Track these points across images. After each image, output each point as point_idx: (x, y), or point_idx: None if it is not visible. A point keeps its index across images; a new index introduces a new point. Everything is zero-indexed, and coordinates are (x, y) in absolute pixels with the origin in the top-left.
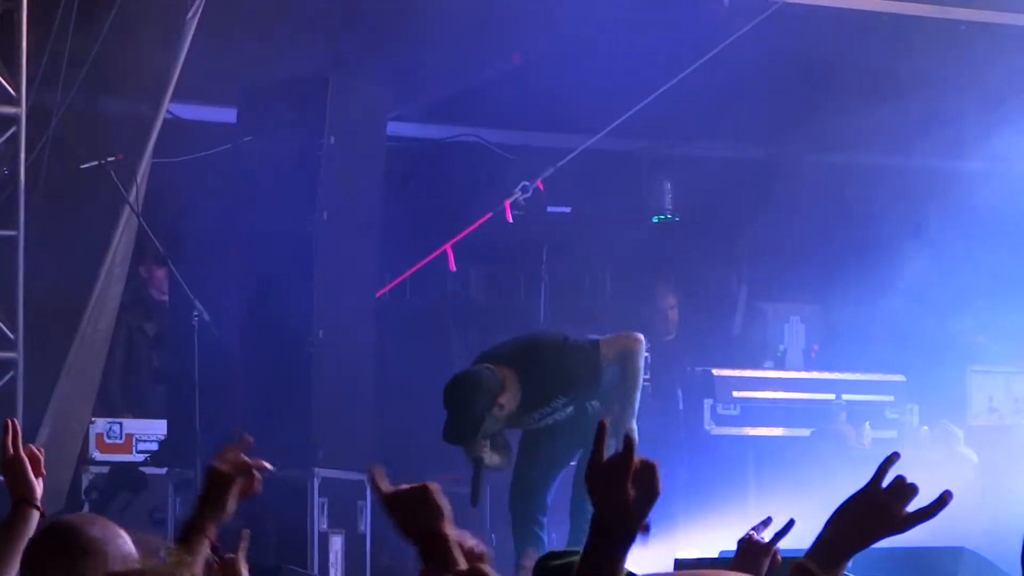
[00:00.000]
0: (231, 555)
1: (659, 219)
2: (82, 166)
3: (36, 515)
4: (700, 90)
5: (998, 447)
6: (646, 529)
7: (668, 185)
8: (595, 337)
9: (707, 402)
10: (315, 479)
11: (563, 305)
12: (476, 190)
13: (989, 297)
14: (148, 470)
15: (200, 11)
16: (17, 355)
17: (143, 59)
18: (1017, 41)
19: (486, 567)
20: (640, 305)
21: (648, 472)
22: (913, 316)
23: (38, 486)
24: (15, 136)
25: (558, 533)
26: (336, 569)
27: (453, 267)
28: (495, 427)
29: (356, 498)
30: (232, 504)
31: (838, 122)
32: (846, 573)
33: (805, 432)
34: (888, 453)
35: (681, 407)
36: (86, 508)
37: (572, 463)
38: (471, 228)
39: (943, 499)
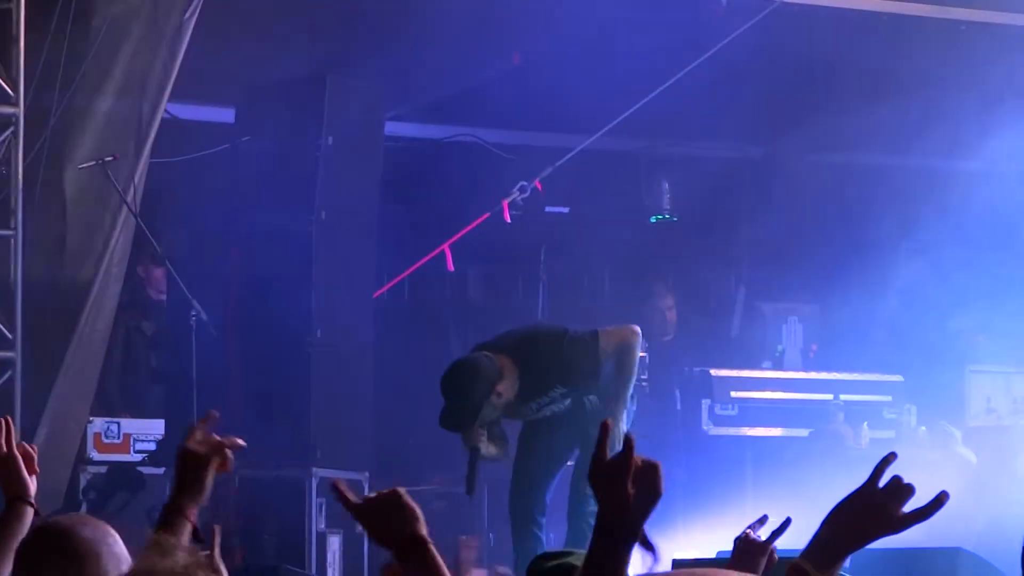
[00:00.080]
0: (206, 551)
1: (657, 219)
2: (80, 166)
3: (30, 512)
4: (698, 90)
5: (996, 448)
6: (651, 548)
7: (666, 185)
8: (594, 329)
9: (705, 402)
10: (313, 479)
11: (561, 305)
12: (474, 190)
13: (987, 297)
14: (146, 470)
15: (198, 11)
16: (15, 355)
17: (140, 59)
18: (1017, 41)
19: None
20: (638, 305)
21: (650, 472)
22: (911, 316)
23: (32, 483)
24: (13, 136)
25: (556, 533)
26: (334, 569)
27: (451, 267)
28: (493, 415)
29: None
30: (210, 484)
31: (837, 122)
32: (843, 574)
33: (803, 432)
34: (886, 453)
35: (679, 407)
36: (84, 508)
37: (570, 463)
38: (469, 228)
39: (939, 499)
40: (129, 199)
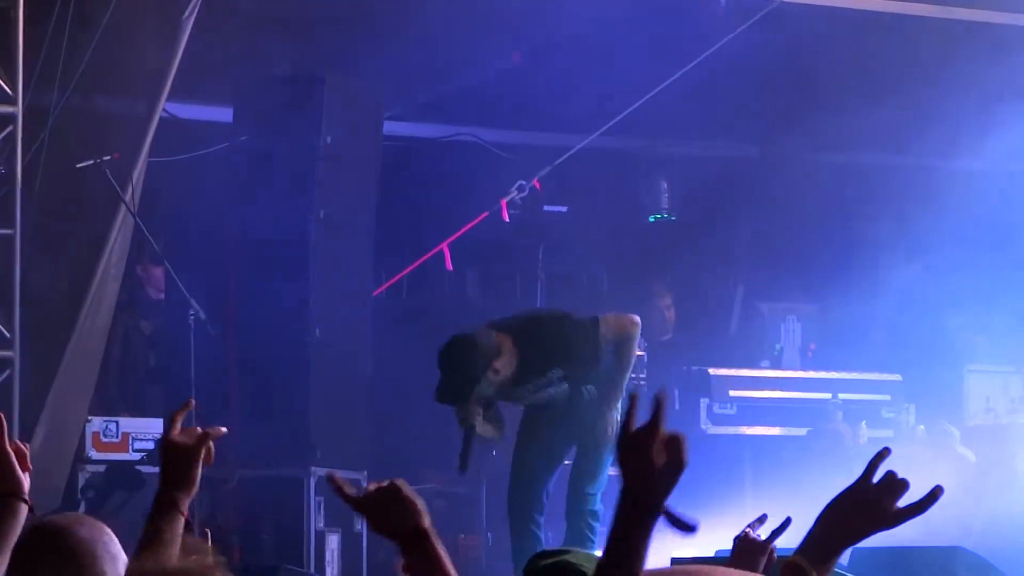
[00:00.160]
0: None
1: (655, 218)
2: (78, 165)
3: (24, 508)
4: (697, 89)
5: (994, 446)
6: (683, 524)
7: (664, 184)
8: (595, 315)
9: (703, 401)
10: (311, 477)
11: (559, 304)
12: (472, 189)
13: (986, 297)
14: (144, 469)
15: (196, 10)
16: (13, 354)
17: (139, 58)
18: (1017, 41)
19: None
20: (637, 304)
21: (675, 443)
22: (909, 316)
23: (25, 480)
24: (11, 135)
25: (554, 533)
26: (332, 567)
27: (450, 266)
28: (489, 391)
29: None
30: (199, 476)
31: (835, 122)
32: (843, 573)
33: (801, 431)
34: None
35: (677, 406)
36: (82, 507)
37: (567, 462)
38: (467, 227)
39: (933, 494)
40: (128, 198)
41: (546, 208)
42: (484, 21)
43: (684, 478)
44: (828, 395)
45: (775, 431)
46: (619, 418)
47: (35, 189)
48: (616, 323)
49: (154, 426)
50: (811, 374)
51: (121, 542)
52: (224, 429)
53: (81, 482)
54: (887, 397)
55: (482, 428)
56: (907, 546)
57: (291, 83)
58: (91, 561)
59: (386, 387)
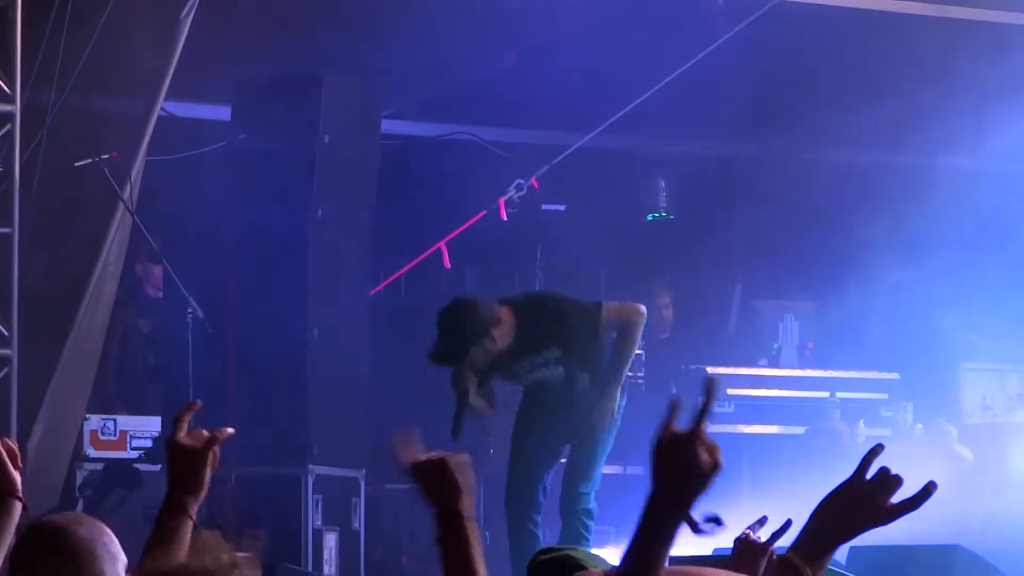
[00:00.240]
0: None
1: (653, 217)
2: (76, 164)
3: (19, 507)
4: (695, 88)
5: (992, 445)
6: (719, 521)
7: (662, 183)
8: (598, 300)
9: (701, 400)
10: (309, 476)
11: None
12: (471, 188)
13: (983, 295)
14: (142, 467)
15: (195, 9)
16: (12, 352)
17: (137, 57)
18: (1017, 41)
19: None
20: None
21: (714, 446)
22: (907, 314)
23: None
24: (10, 134)
25: (550, 531)
26: (330, 566)
27: (448, 265)
28: (484, 360)
29: (350, 495)
30: (207, 479)
31: (833, 120)
32: (842, 572)
33: (799, 430)
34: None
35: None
36: (80, 505)
37: (563, 459)
38: (466, 226)
39: (927, 489)
40: (126, 197)
41: (544, 207)
42: (482, 20)
43: None
44: (826, 394)
45: (773, 430)
46: (619, 406)
47: (33, 188)
48: (619, 309)
49: (152, 424)
50: (809, 373)
51: (120, 541)
52: (231, 430)
53: (79, 480)
54: (885, 396)
55: (474, 399)
56: (905, 544)
57: (289, 82)
58: (90, 561)
59: (384, 385)
